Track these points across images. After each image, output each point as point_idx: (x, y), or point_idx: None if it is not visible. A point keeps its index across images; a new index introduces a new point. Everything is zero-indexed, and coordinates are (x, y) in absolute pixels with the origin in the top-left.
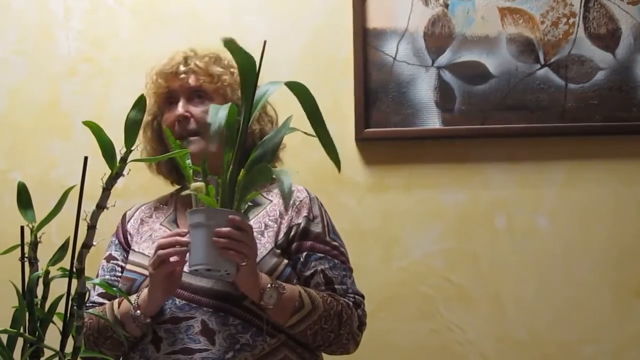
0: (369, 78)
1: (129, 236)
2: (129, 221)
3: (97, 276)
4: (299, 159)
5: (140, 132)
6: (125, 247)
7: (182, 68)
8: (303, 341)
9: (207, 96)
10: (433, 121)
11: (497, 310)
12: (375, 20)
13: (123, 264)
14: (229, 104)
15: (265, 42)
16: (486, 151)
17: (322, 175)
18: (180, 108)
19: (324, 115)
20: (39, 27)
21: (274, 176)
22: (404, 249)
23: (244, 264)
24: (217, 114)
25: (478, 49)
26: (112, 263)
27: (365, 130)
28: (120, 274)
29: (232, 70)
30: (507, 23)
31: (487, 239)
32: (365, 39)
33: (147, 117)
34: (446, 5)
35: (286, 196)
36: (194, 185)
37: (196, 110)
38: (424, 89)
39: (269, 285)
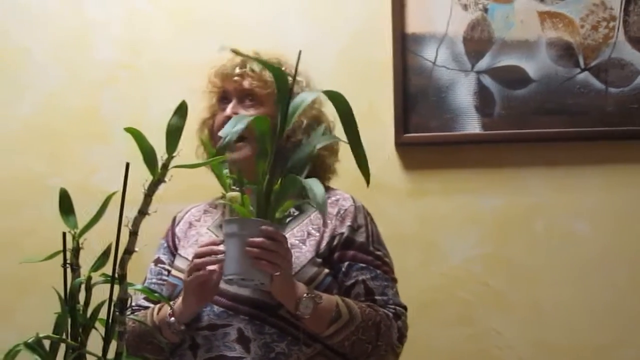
0: (408, 83)
1: (176, 240)
2: (178, 224)
3: (144, 279)
4: (338, 163)
5: (197, 130)
6: (173, 250)
7: (237, 70)
8: (341, 351)
9: (258, 101)
10: (472, 126)
11: (535, 315)
12: (414, 25)
13: (170, 268)
14: (255, 115)
15: (300, 52)
16: (525, 156)
17: (361, 180)
18: (229, 109)
19: (362, 120)
20: (78, 34)
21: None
22: (443, 254)
23: (277, 274)
24: (234, 127)
25: (517, 53)
26: (159, 267)
27: (404, 135)
28: (167, 278)
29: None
30: (546, 27)
31: (526, 244)
32: (404, 44)
33: (205, 115)
34: (485, 10)
35: (321, 207)
36: (229, 194)
37: (245, 113)
38: (464, 94)
39: (305, 295)
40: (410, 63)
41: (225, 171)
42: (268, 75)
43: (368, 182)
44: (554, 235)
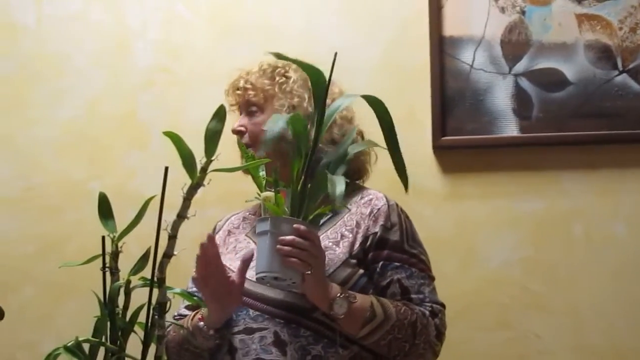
0: (446, 86)
1: None
2: (217, 232)
3: (187, 287)
4: (373, 166)
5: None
6: None
7: (240, 84)
8: (378, 352)
9: (259, 109)
10: (510, 129)
11: (574, 319)
12: (451, 28)
13: None
14: (293, 113)
15: (335, 53)
16: (563, 159)
17: (397, 183)
18: (236, 123)
19: (400, 123)
20: (117, 39)
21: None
22: (481, 257)
23: (308, 272)
24: (276, 124)
25: (555, 55)
26: None
27: (442, 138)
28: None
29: (280, 80)
30: (584, 29)
31: (565, 247)
32: (442, 47)
33: None
34: (523, 12)
35: (336, 199)
36: (263, 194)
37: (249, 123)
38: (501, 97)
39: (338, 295)
40: (447, 66)
41: (262, 172)
42: (261, 82)
43: (406, 188)
44: (593, 238)
